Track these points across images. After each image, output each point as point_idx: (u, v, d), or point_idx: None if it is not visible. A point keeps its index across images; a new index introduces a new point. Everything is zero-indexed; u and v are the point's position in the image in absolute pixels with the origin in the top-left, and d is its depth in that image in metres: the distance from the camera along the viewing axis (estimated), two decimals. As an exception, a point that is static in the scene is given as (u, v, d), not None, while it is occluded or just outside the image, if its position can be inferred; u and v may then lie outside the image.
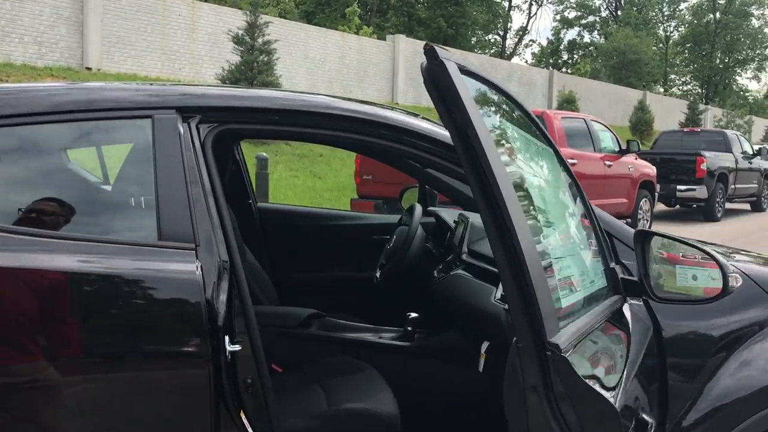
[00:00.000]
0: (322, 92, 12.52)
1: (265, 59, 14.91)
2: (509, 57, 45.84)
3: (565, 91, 25.39)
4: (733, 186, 14.39)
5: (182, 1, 17.81)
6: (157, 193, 1.77)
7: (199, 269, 1.70)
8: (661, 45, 53.24)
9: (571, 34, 53.53)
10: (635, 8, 51.69)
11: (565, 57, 53.15)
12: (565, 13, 52.49)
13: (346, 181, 13.18)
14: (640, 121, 29.13)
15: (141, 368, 1.69)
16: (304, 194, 11.83)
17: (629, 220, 10.54)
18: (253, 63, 14.66)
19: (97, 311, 1.68)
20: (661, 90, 50.25)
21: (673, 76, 55.79)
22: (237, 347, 1.72)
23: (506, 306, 2.00)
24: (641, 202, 11.00)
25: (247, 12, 14.93)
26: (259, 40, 14.97)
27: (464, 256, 2.43)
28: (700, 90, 53.32)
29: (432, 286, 2.59)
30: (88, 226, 1.82)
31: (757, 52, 52.81)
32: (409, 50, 23.76)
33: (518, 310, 1.50)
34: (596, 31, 52.80)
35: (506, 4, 46.93)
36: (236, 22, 16.41)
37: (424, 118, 2.19)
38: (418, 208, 2.90)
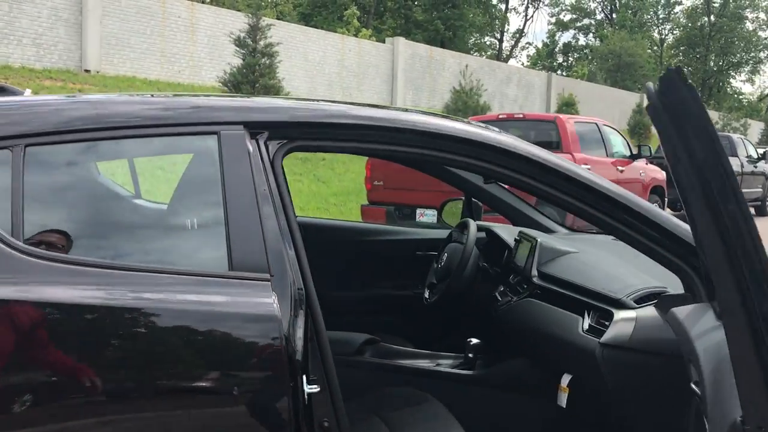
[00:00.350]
0: (321, 95, 12.41)
1: (267, 62, 14.72)
2: (506, 60, 45.78)
3: (564, 94, 25.30)
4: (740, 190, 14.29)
5: (181, 3, 17.62)
6: (226, 218, 1.62)
7: (276, 302, 1.55)
8: (656, 48, 53.35)
9: (566, 37, 53.55)
10: (630, 11, 51.79)
11: (560, 60, 53.17)
12: (561, 16, 52.55)
13: (350, 186, 13.01)
14: (639, 124, 29.10)
15: (214, 410, 1.55)
16: (309, 200, 11.65)
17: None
18: (255, 66, 14.48)
19: (169, 351, 1.52)
20: (656, 93, 50.18)
21: (667, 79, 55.78)
22: (315, 388, 1.58)
23: (600, 340, 1.85)
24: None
25: (249, 14, 14.74)
26: (261, 43, 14.78)
27: (535, 280, 2.27)
28: (694, 93, 53.24)
29: (497, 311, 2.43)
30: (152, 255, 1.67)
31: (751, 54, 52.96)
32: (408, 53, 23.64)
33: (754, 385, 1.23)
34: (591, 34, 52.88)
35: (503, 6, 46.89)
36: (236, 25, 16.23)
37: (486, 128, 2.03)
38: (472, 225, 2.74)
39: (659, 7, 53.78)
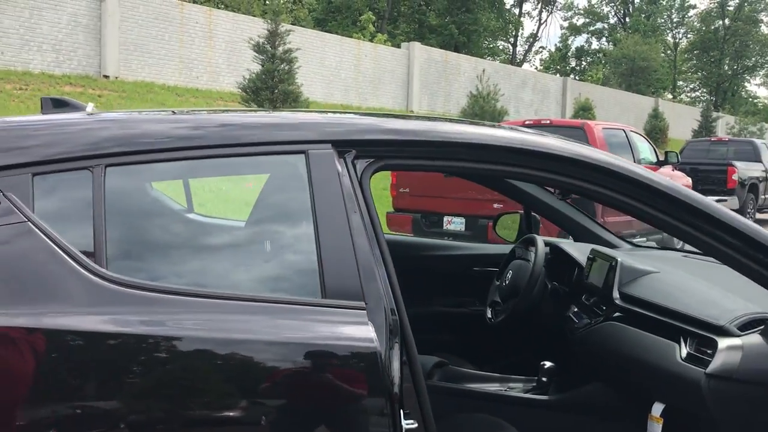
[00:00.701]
0: (337, 101, 12.28)
1: (286, 68, 14.66)
2: (519, 64, 45.65)
3: (581, 98, 25.14)
4: (763, 196, 14.12)
5: (199, 9, 17.64)
6: (318, 242, 1.53)
7: (374, 333, 1.46)
8: (669, 52, 53.05)
9: (578, 41, 53.38)
10: (644, 15, 51.53)
11: (573, 64, 52.97)
12: (574, 20, 52.35)
13: (374, 193, 12.86)
14: (654, 129, 28.89)
15: None
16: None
17: (665, 234, 10.26)
18: (275, 72, 14.42)
19: (264, 385, 1.43)
20: (670, 97, 50.02)
21: (681, 83, 55.58)
22: (412, 424, 1.49)
23: (706, 370, 1.75)
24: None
25: (269, 20, 14.69)
26: (280, 49, 14.73)
27: (617, 302, 2.17)
28: (708, 97, 53.02)
29: (574, 333, 2.32)
30: (239, 281, 1.58)
31: (767, 58, 52.58)
32: (424, 57, 23.57)
33: None
34: (604, 38, 52.65)
35: (516, 10, 46.77)
36: (253, 30, 16.20)
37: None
38: (540, 241, 2.64)
39: (673, 10, 53.49)
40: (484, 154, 1.73)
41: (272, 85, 14.44)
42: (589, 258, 2.48)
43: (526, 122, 9.36)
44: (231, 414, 1.42)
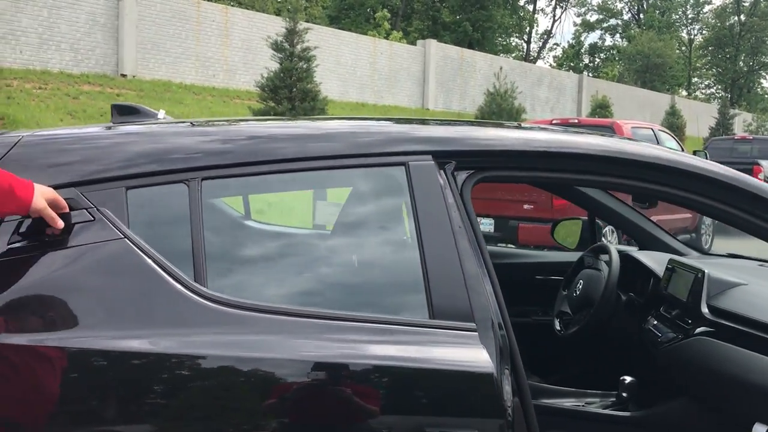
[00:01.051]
0: (353, 99, 12.21)
1: (305, 66, 14.57)
2: (533, 61, 45.44)
3: (598, 96, 24.95)
4: (789, 195, 13.92)
5: (215, 7, 17.58)
6: (423, 258, 1.44)
7: (486, 355, 1.37)
8: (684, 48, 52.67)
9: (592, 38, 53.09)
10: (658, 11, 51.17)
11: (586, 61, 52.67)
12: (587, 17, 52.05)
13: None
14: (672, 126, 28.60)
15: None
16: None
17: (693, 235, 10.12)
18: (293, 70, 14.33)
19: (368, 413, 1.34)
20: (685, 94, 49.69)
21: (695, 80, 55.19)
22: None
23: None
24: (704, 217, 10.57)
25: (287, 18, 14.60)
26: (298, 47, 14.64)
27: (708, 315, 2.06)
28: (723, 94, 52.60)
29: (658, 348, 2.21)
30: (341, 300, 1.50)
31: (783, 54, 52.15)
32: (440, 55, 23.44)
33: None
34: (618, 35, 52.31)
35: (530, 7, 46.53)
36: (269, 28, 16.14)
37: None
38: (614, 251, 2.52)
39: (688, 6, 53.09)
40: (593, 165, 1.63)
41: (290, 83, 14.35)
42: (668, 268, 2.36)
43: (553, 122, 9.23)
44: None
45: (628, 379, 2.25)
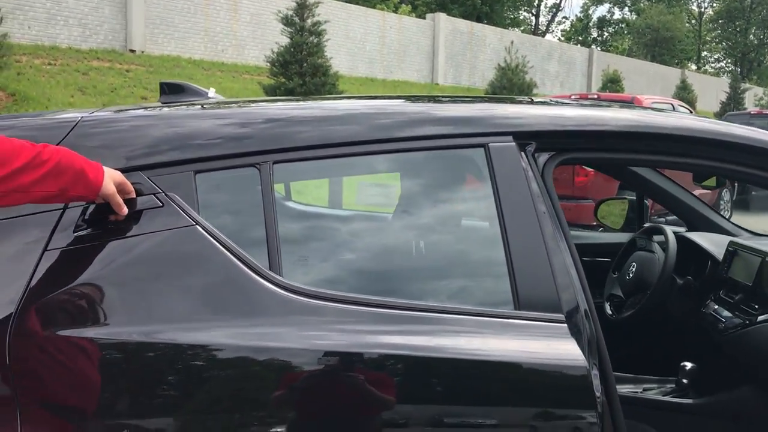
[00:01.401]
0: (362, 73, 12.00)
1: (315, 41, 14.39)
2: (542, 35, 44.92)
3: (609, 70, 24.65)
4: (806, 171, 13.76)
5: (224, -19, 17.32)
6: (507, 245, 1.36)
7: (578, 348, 1.31)
8: (694, 21, 51.99)
9: (600, 11, 52.42)
10: (668, -17, 50.42)
11: (594, 34, 52.07)
12: (596, -11, 51.31)
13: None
14: (683, 101, 28.36)
15: None
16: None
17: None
18: (303, 44, 14.15)
19: (464, 410, 1.28)
20: (694, 68, 49.15)
21: (705, 54, 54.55)
22: None
23: None
24: (723, 192, 10.46)
25: (296, -8, 14.37)
26: (308, 21, 14.44)
27: None
28: (733, 67, 51.99)
29: (722, 334, 2.14)
30: (420, 289, 1.43)
31: (794, 27, 51.41)
32: (449, 28, 23.15)
33: None
34: (627, 8, 51.62)
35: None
36: (277, 2, 15.91)
37: None
38: (669, 233, 2.44)
39: (698, -21, 52.35)
40: (689, 147, 1.55)
41: (301, 58, 14.17)
42: (728, 251, 2.28)
43: (573, 96, 9.10)
44: None
45: (689, 365, 2.19)
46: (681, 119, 1.63)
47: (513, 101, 1.67)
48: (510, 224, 1.37)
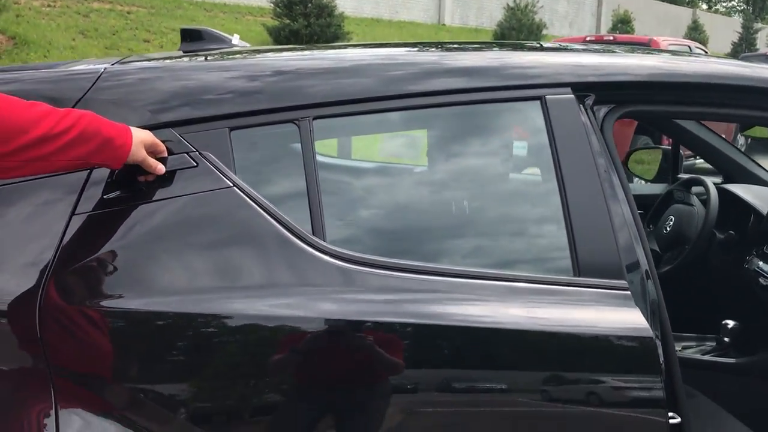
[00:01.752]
0: (368, 14, 11.69)
1: (320, -20, 13.97)
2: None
3: (619, 10, 24.05)
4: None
5: None
6: (566, 207, 1.27)
7: (642, 317, 1.24)
8: (706, -42, 50.60)
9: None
10: None
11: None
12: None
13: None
14: (695, 42, 27.77)
15: None
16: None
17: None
18: (308, -16, 13.75)
19: (522, 382, 1.21)
20: (705, 8, 48.04)
21: (716, -8, 53.26)
22: (676, 419, 1.28)
23: None
24: (738, 137, 10.30)
25: (301, -72, 13.88)
26: (313, -41, 13.99)
27: None
28: (745, 6, 50.76)
29: (766, 291, 2.07)
30: (473, 255, 1.34)
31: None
32: (456, -33, 22.53)
33: None
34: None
35: None
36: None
37: None
38: (710, 185, 2.34)
39: None
40: (755, 98, 1.44)
41: (305, -1, 13.81)
42: None
43: (587, 38, 8.86)
44: (477, 412, 1.21)
45: (731, 323, 2.12)
46: (755, 69, 1.52)
47: (569, 50, 1.55)
48: (569, 185, 1.27)
